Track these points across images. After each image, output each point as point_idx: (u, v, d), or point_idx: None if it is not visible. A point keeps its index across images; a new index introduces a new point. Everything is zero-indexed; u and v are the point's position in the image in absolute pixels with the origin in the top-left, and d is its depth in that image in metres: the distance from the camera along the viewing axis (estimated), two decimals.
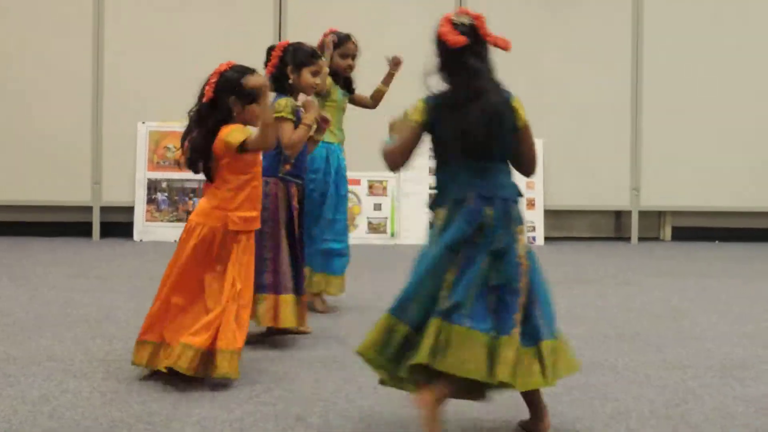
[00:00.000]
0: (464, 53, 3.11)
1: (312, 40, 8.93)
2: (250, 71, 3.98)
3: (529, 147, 3.24)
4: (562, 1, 9.32)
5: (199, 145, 3.87)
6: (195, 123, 3.91)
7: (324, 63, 5.02)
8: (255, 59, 8.91)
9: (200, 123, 3.89)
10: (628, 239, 9.31)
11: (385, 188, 8.88)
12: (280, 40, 9.02)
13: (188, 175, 8.83)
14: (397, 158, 3.23)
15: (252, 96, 3.87)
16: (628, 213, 9.44)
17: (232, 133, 3.83)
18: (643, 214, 9.38)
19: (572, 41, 9.27)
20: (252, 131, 3.90)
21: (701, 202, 9.26)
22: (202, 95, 3.90)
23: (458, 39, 3.09)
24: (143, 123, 8.94)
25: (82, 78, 8.92)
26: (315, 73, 4.76)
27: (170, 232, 8.59)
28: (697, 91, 9.17)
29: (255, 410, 3.47)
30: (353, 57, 5.52)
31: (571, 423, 3.38)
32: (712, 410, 3.54)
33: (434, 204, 3.24)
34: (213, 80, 3.90)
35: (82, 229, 8.87)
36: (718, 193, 9.21)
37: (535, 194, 9.03)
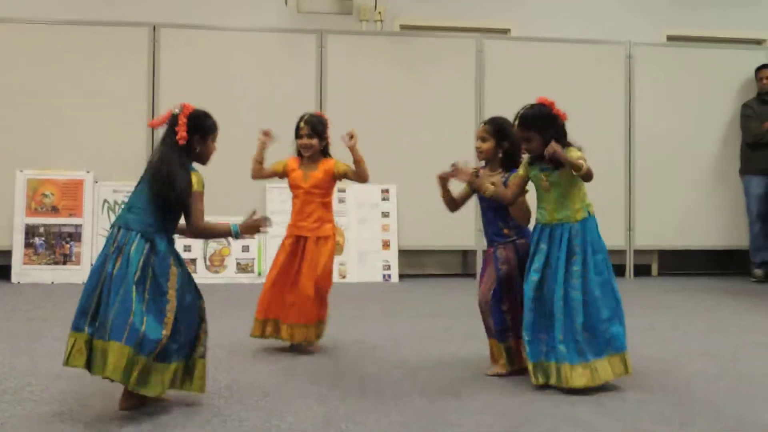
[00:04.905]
0: None
1: (185, 81, 8.91)
2: None
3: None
4: (418, 62, 9.58)
5: None
6: None
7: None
8: (131, 107, 8.90)
9: None
10: (473, 275, 9.49)
11: None
12: (154, 84, 8.99)
13: (65, 219, 8.72)
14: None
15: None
16: (474, 252, 9.70)
17: None
18: None
19: (426, 96, 9.55)
20: None
21: None
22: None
23: None
24: (21, 171, 8.73)
25: None
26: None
27: (47, 274, 8.48)
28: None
29: None
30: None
31: None
32: None
33: None
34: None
35: None
36: None
37: (390, 236, 9.21)
